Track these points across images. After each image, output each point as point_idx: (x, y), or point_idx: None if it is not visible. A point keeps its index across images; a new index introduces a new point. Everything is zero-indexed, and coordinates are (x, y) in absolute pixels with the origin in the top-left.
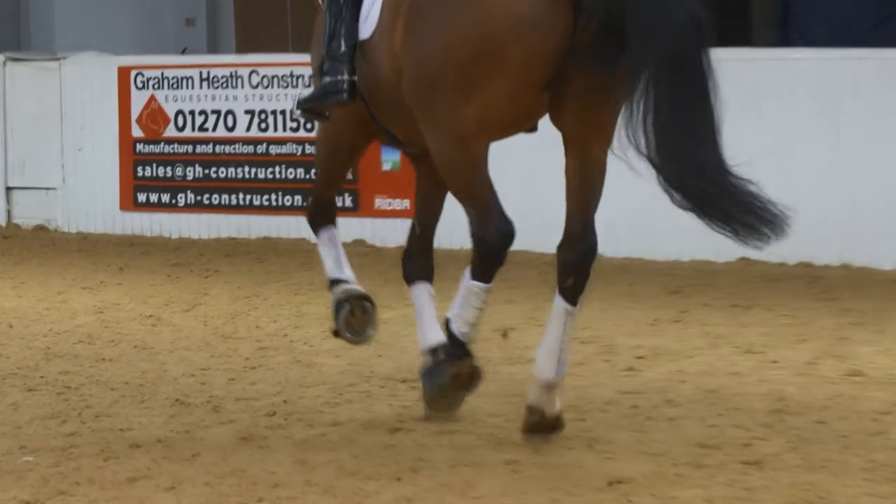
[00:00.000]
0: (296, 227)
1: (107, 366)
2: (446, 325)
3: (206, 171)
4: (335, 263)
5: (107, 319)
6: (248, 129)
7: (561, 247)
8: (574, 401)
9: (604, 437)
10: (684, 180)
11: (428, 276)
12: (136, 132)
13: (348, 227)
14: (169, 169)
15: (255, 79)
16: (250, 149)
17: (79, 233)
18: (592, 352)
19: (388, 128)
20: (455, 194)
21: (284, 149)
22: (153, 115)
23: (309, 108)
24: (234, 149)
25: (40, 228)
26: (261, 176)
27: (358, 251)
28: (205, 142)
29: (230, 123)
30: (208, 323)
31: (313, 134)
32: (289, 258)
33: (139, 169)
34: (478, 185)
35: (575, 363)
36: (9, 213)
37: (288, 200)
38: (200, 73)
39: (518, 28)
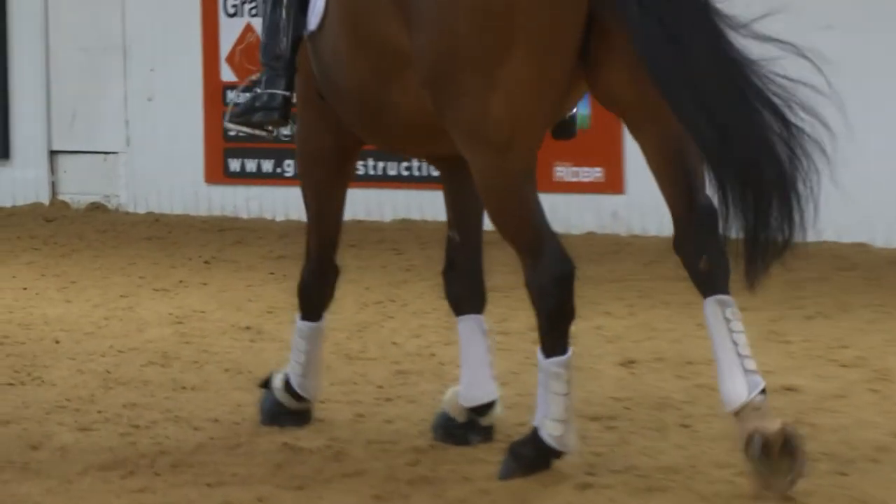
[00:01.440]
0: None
1: (188, 396)
2: (535, 434)
3: None
4: (301, 369)
5: (187, 333)
6: None
7: (677, 240)
8: (832, 446)
9: (875, 496)
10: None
11: (477, 304)
12: (227, 75)
13: None
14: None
15: None
16: None
17: (149, 213)
18: (856, 378)
19: (352, 130)
20: (498, 228)
21: None
22: (250, 51)
23: (241, 122)
24: None
25: (96, 207)
26: None
27: None
28: None
29: None
30: (327, 338)
31: None
32: (436, 248)
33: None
34: (521, 213)
35: (832, 395)
36: (53, 186)
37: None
38: None
39: None
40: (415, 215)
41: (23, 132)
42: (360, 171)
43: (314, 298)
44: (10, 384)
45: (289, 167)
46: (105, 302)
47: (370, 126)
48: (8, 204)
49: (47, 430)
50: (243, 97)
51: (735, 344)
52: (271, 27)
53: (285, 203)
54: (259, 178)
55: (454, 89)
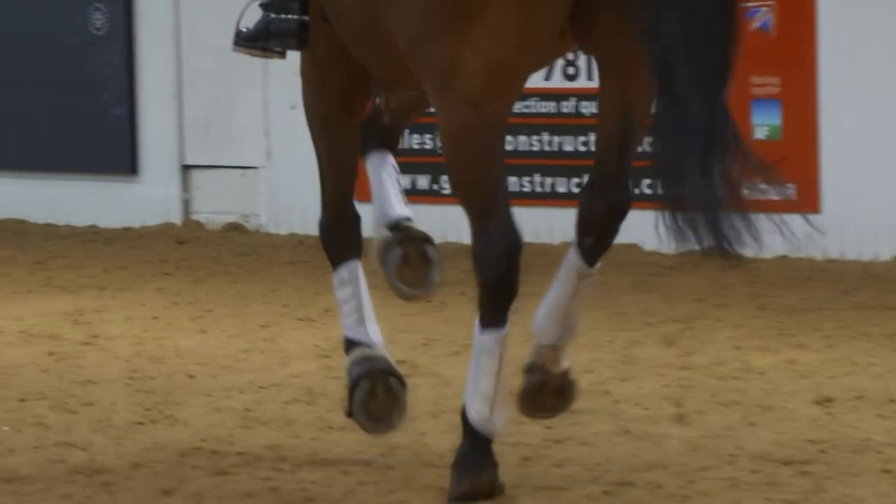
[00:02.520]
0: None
1: (336, 437)
2: (462, 416)
3: None
4: (354, 316)
5: (335, 367)
6: (548, 77)
7: (586, 192)
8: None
9: None
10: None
11: (391, 144)
12: None
13: None
14: (428, 137)
15: None
16: (551, 107)
17: (292, 235)
18: None
19: (360, 59)
20: (457, 192)
21: None
22: None
23: (250, 47)
24: (527, 107)
25: (234, 228)
26: (568, 148)
27: (717, 263)
28: None
29: None
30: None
31: None
32: (612, 273)
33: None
34: (482, 173)
35: None
36: (185, 204)
37: None
38: None
39: None
40: None
41: (152, 145)
42: (526, 189)
43: (341, 245)
44: (141, 423)
45: (445, 184)
46: (244, 333)
47: (367, 52)
48: (137, 224)
49: (181, 473)
50: (252, 21)
51: (565, 300)
52: None
53: (443, 223)
54: (413, 195)
55: (428, 35)
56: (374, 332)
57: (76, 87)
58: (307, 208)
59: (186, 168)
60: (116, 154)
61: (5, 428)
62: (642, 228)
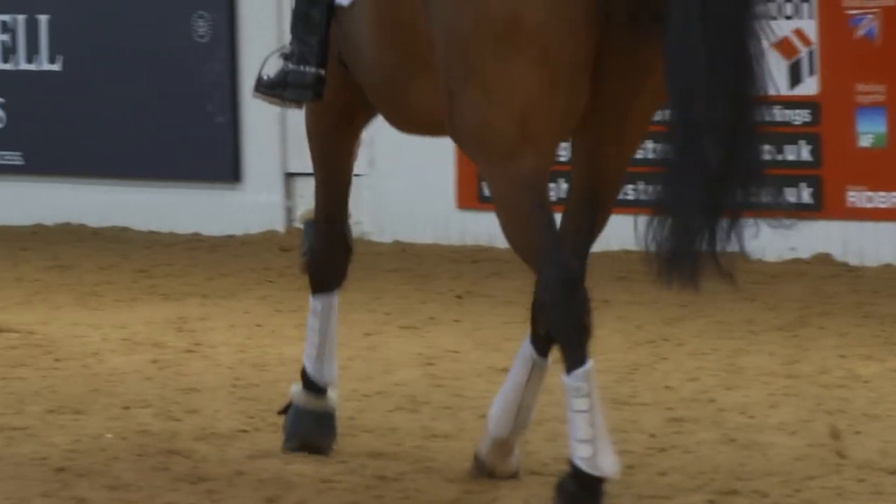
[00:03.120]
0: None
1: (440, 445)
2: (571, 463)
3: None
4: (315, 351)
5: (438, 375)
6: None
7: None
8: None
9: None
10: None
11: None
12: None
13: (807, 235)
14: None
15: None
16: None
17: (395, 242)
18: None
19: (377, 107)
20: (507, 240)
21: None
22: None
23: (269, 95)
24: None
25: None
26: None
27: (821, 272)
28: None
29: None
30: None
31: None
32: (717, 281)
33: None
34: (527, 225)
35: None
36: (289, 212)
37: None
38: None
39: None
40: None
41: (255, 152)
42: (630, 196)
43: (323, 271)
44: (244, 431)
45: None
46: (347, 341)
47: (388, 103)
48: (239, 232)
49: (285, 481)
50: (273, 69)
51: (524, 394)
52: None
53: None
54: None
55: (459, 97)
56: (329, 372)
57: (180, 96)
58: (409, 216)
59: (289, 175)
60: (220, 162)
61: (109, 436)
62: (749, 237)
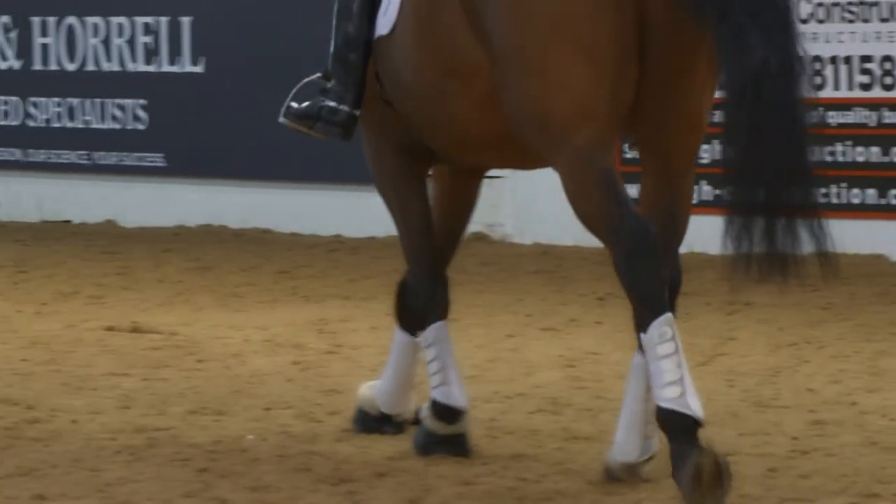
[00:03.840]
0: (867, 237)
1: (581, 447)
2: (657, 415)
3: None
4: (439, 376)
5: (580, 377)
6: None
7: None
8: None
9: None
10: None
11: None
12: None
13: None
14: None
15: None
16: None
17: (536, 244)
18: None
19: (420, 136)
20: (581, 221)
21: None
22: None
23: (298, 123)
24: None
25: (479, 238)
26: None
27: None
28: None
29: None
30: (735, 383)
31: None
32: (859, 284)
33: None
34: (596, 199)
35: None
36: None
37: (857, 197)
38: None
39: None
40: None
41: None
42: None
43: (412, 309)
44: (384, 432)
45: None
46: (489, 342)
47: (431, 130)
48: (381, 234)
49: (426, 483)
50: (305, 100)
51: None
52: (342, 37)
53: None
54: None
55: (519, 89)
56: (458, 393)
57: None
58: (550, 218)
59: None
60: (362, 164)
61: (251, 437)
62: (889, 239)
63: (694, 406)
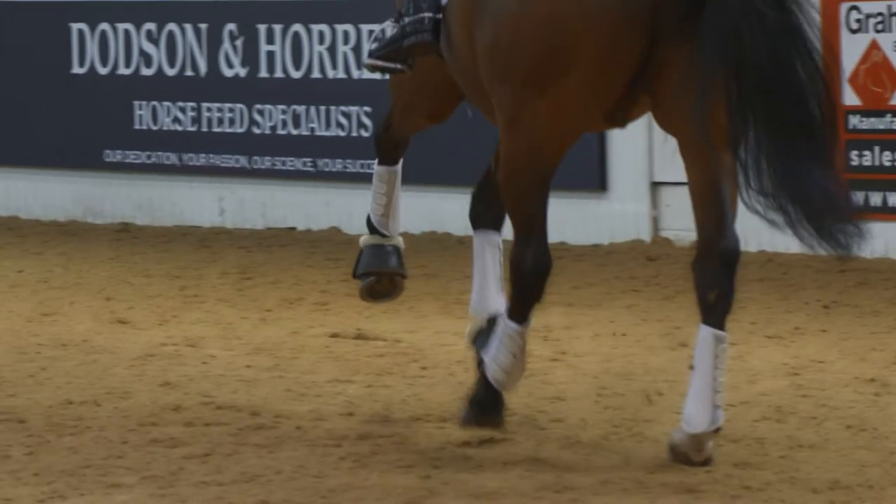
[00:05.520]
0: None
1: (805, 455)
2: (479, 366)
3: None
4: (381, 207)
5: (805, 385)
6: None
7: (696, 261)
8: None
9: None
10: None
11: (497, 223)
12: (850, 99)
13: None
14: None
15: None
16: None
17: (761, 252)
18: None
19: (468, 97)
20: (507, 208)
21: None
22: (875, 70)
23: (383, 55)
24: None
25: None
26: None
27: None
28: None
29: None
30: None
31: None
32: None
33: (854, 155)
34: (534, 203)
35: None
36: (654, 221)
37: None
38: None
39: (586, 16)
40: None
41: (622, 162)
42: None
43: (393, 144)
44: (609, 439)
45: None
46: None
47: (472, 96)
48: (605, 241)
49: (649, 491)
50: (388, 31)
51: (714, 379)
52: None
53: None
54: (886, 212)
55: (505, 97)
56: (393, 225)
57: None
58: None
59: (655, 185)
60: (586, 171)
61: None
62: None
63: (507, 387)
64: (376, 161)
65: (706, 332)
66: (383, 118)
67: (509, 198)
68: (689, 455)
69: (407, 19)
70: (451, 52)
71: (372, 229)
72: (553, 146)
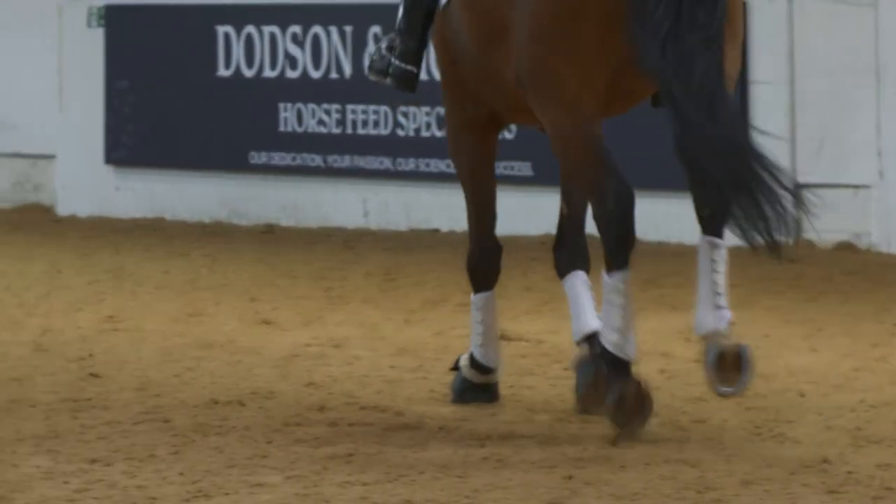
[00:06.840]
0: None
1: None
2: (596, 343)
3: None
4: (481, 338)
5: None
6: None
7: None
8: None
9: None
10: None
11: (583, 265)
12: None
13: None
14: None
15: None
16: None
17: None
18: None
19: (480, 97)
20: (567, 173)
21: None
22: None
23: (378, 77)
24: None
25: (845, 247)
26: None
27: None
28: None
29: None
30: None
31: None
32: None
33: None
34: (586, 157)
35: None
36: (798, 223)
37: None
38: None
39: None
40: None
41: None
42: None
43: (480, 275)
44: (750, 440)
45: None
46: (854, 352)
47: (485, 91)
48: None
49: (791, 491)
50: (378, 54)
51: (714, 283)
52: (409, 2)
53: None
54: None
55: (539, 64)
56: (493, 357)
57: None
58: None
59: (798, 186)
60: None
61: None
62: None
63: (629, 350)
64: (472, 293)
65: (704, 241)
66: (470, 239)
67: (568, 164)
68: (722, 345)
69: (394, 60)
70: (461, 53)
71: (476, 366)
72: (587, 99)
